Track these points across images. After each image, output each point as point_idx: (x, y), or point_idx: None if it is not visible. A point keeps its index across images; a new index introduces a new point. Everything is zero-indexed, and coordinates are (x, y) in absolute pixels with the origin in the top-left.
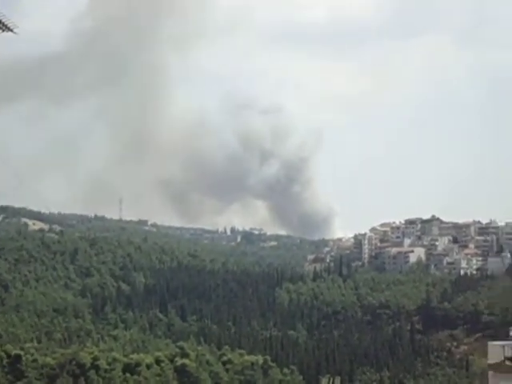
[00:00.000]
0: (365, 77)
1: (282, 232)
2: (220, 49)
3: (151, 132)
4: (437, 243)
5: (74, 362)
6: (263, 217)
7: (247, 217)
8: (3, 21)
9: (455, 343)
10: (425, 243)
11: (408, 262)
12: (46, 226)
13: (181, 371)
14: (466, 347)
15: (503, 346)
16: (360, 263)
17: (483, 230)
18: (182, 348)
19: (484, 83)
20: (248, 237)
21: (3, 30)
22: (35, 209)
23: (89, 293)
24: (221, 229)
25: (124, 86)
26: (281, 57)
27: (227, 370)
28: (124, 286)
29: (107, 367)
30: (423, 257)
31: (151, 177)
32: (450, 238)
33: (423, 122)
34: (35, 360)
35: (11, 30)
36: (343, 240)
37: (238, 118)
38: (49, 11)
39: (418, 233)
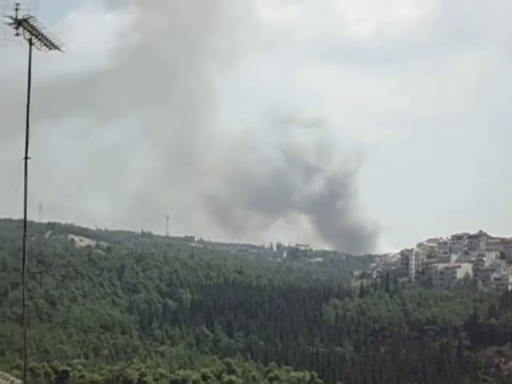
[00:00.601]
0: (410, 92)
1: (328, 248)
2: (264, 64)
3: (196, 148)
4: (484, 259)
5: (121, 379)
6: (308, 232)
7: (292, 232)
8: (50, 39)
9: (503, 359)
10: (472, 259)
11: (455, 277)
12: (92, 243)
13: None
14: None
15: None
16: (407, 279)
17: None
18: (228, 364)
19: None
20: (294, 253)
21: (50, 49)
22: (82, 225)
23: (136, 309)
24: (267, 245)
25: (169, 103)
26: (325, 72)
27: None
28: (171, 303)
29: (154, 383)
30: (470, 272)
31: (196, 193)
32: (498, 253)
33: (469, 136)
34: (82, 376)
35: (58, 49)
36: (389, 256)
37: (282, 134)
38: (95, 27)
39: (466, 248)
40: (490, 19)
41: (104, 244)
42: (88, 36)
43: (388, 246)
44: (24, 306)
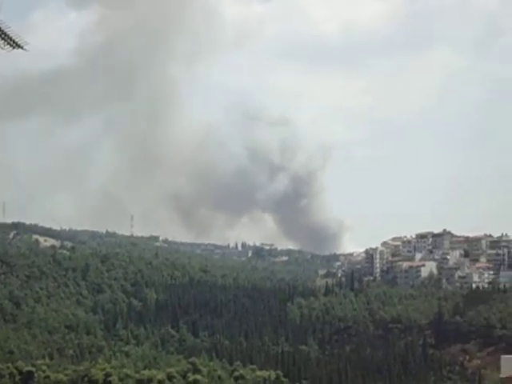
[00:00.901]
0: (374, 90)
1: (293, 247)
2: (229, 63)
3: (160, 146)
4: (448, 257)
5: (86, 379)
6: (272, 231)
7: (256, 231)
8: (13, 38)
9: (468, 357)
10: (436, 257)
11: (420, 276)
12: (57, 243)
13: None
14: (478, 361)
15: None
16: (372, 278)
17: (495, 243)
18: (193, 364)
19: (494, 98)
20: (259, 252)
21: (13, 48)
22: (46, 225)
23: (100, 309)
24: (232, 244)
25: (133, 101)
26: (291, 71)
27: None
28: (136, 302)
29: (119, 383)
30: (435, 271)
31: (160, 191)
32: (462, 251)
33: (433, 135)
34: (47, 377)
35: (21, 47)
36: (354, 255)
37: (247, 132)
38: (58, 26)
39: (430, 247)
40: (455, 17)
41: (68, 244)
42: (52, 35)
43: (353, 244)
44: None
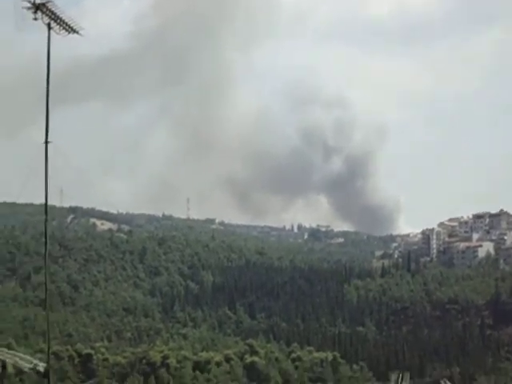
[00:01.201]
0: (430, 72)
1: (349, 228)
2: (283, 45)
3: (214, 130)
4: (505, 237)
5: (144, 361)
6: (327, 212)
7: (311, 213)
8: (69, 23)
9: None
10: (493, 237)
11: (477, 256)
12: (114, 226)
13: (250, 369)
14: None
15: None
16: (428, 259)
17: None
18: (251, 346)
19: None
20: (315, 234)
21: (69, 32)
22: (104, 209)
23: (158, 292)
24: (288, 226)
25: (187, 86)
26: (344, 53)
27: (296, 367)
28: (192, 285)
29: (177, 365)
30: (492, 251)
31: (215, 175)
32: None
33: (488, 114)
34: (106, 359)
35: (77, 32)
36: (411, 235)
37: (301, 114)
38: (112, 12)
39: (487, 227)
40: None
41: (125, 227)
42: (106, 20)
43: (409, 226)
44: (46, 290)
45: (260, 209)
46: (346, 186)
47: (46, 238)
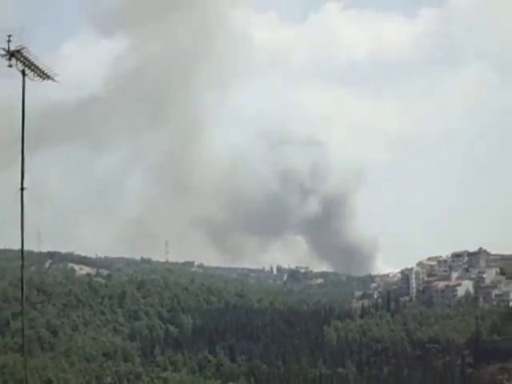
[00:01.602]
0: (405, 112)
1: (327, 269)
2: (258, 86)
3: (192, 171)
4: (484, 276)
5: None
6: (305, 253)
7: (289, 253)
8: (43, 70)
9: (507, 376)
10: (472, 276)
11: (456, 295)
12: (93, 271)
13: None
14: None
15: None
16: (408, 298)
17: None
18: None
19: None
20: (294, 275)
21: (44, 79)
22: (82, 254)
23: (137, 336)
24: (267, 267)
25: (164, 127)
26: (320, 94)
27: None
28: (172, 328)
29: None
30: (471, 290)
31: (192, 216)
32: (498, 270)
33: (465, 154)
34: None
35: (52, 79)
36: (390, 275)
37: (277, 155)
38: (89, 55)
39: (466, 266)
40: (483, 35)
41: (104, 272)
42: (84, 64)
43: (388, 265)
44: (23, 335)
45: (238, 250)
46: (324, 226)
47: (22, 283)
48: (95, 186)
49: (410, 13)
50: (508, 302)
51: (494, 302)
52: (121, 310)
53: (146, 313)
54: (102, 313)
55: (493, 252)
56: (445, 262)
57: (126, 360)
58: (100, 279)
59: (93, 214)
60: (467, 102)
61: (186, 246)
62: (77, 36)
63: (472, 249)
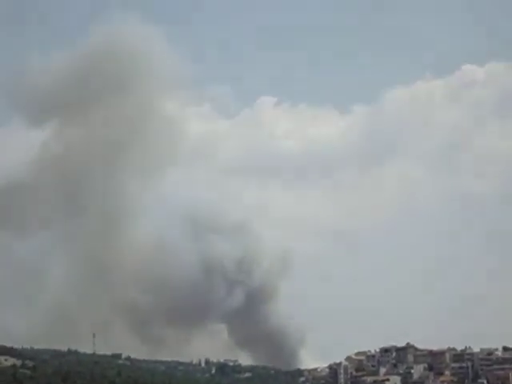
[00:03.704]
0: (332, 205)
1: (257, 363)
2: (187, 178)
3: (115, 260)
4: (412, 371)
5: None
6: (230, 345)
7: (213, 345)
8: None
9: None
10: (400, 371)
11: None
12: (18, 362)
13: None
14: None
15: None
16: None
17: (458, 356)
18: None
19: (457, 209)
20: (222, 368)
21: None
22: (7, 344)
23: None
24: (195, 360)
25: (87, 214)
26: (249, 186)
27: None
28: None
29: None
30: None
31: (116, 306)
32: (426, 365)
33: (393, 247)
34: None
35: None
36: (318, 370)
37: (203, 244)
38: (16, 144)
39: (394, 361)
40: (416, 130)
41: (30, 363)
42: (11, 151)
43: (316, 360)
44: None
45: (160, 341)
46: (249, 317)
47: None
48: (17, 275)
49: (342, 108)
50: None
51: None
52: None
53: None
54: None
55: (420, 347)
56: (373, 356)
57: None
58: (25, 370)
59: (16, 302)
60: (394, 195)
61: (111, 336)
62: (8, 126)
63: (400, 344)
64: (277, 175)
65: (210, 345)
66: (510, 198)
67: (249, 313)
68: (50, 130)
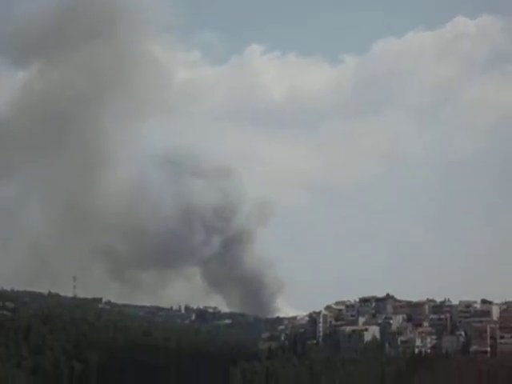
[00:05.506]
0: (320, 154)
1: (236, 310)
2: (172, 124)
3: (93, 203)
4: (391, 321)
5: None
6: (206, 291)
7: (190, 289)
8: None
9: None
10: (379, 321)
11: (363, 340)
12: None
13: None
14: None
15: None
16: (315, 342)
17: (437, 308)
18: None
19: (442, 165)
20: (202, 314)
21: None
22: None
23: (41, 371)
24: (175, 306)
25: (66, 157)
26: (234, 134)
27: None
28: (77, 365)
29: None
30: (378, 335)
31: (94, 250)
32: (405, 316)
33: (377, 201)
34: None
35: None
36: (298, 318)
37: (183, 188)
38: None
39: (373, 311)
40: (403, 84)
41: (10, 305)
42: None
43: (296, 308)
44: None
45: (138, 284)
46: (226, 263)
47: None
48: None
49: (332, 58)
50: (413, 348)
51: (400, 349)
52: (25, 343)
53: (51, 348)
54: (6, 346)
55: (400, 298)
56: (352, 306)
57: None
58: (6, 312)
59: None
60: (383, 149)
61: (91, 280)
62: None
63: (380, 294)
64: (263, 124)
65: (186, 288)
66: (498, 153)
67: (227, 260)
68: (33, 71)
